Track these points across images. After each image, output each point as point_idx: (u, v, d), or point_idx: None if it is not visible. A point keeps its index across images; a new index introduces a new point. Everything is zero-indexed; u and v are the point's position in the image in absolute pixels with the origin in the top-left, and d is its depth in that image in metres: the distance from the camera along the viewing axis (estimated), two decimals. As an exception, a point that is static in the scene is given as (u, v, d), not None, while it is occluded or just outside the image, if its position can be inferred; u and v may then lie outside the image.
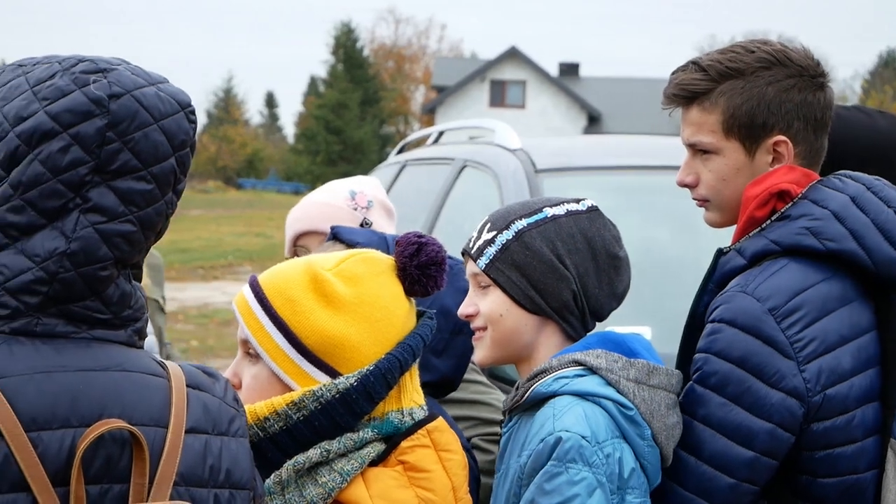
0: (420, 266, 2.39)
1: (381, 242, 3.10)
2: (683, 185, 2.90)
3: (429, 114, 62.08)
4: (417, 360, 2.42)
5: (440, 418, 2.38)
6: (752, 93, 2.79)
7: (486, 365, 2.87)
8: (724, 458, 2.68)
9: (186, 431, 1.93)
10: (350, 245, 3.09)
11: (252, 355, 2.40)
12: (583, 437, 2.55)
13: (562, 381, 2.65)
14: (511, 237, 2.77)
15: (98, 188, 1.90)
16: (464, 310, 2.81)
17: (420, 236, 2.42)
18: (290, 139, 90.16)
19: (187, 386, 1.97)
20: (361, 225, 3.67)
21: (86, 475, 1.82)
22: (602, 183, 5.31)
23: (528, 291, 2.74)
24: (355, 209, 3.73)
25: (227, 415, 2.00)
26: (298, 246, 3.75)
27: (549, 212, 2.79)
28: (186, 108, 1.98)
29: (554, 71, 63.31)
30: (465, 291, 2.88)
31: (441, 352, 3.10)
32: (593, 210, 2.82)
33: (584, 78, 64.57)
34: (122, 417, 1.87)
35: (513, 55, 60.15)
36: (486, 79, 59.79)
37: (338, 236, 3.20)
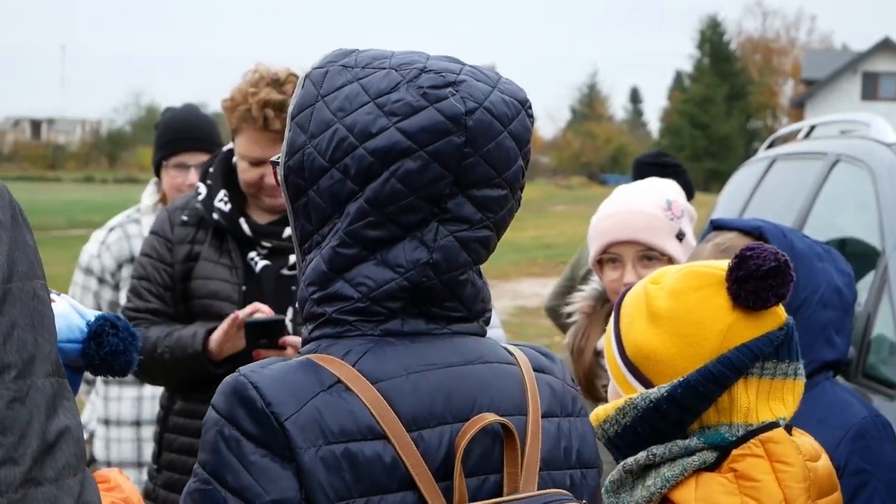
0: (738, 280, 2.34)
1: (756, 230, 3.04)
2: None
3: (797, 108, 60.79)
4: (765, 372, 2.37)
5: (779, 430, 2.33)
6: None
7: None
8: None
9: (542, 416, 1.98)
10: (743, 231, 3.00)
11: None
12: None
13: None
14: None
15: (455, 199, 1.92)
16: None
17: (750, 248, 2.36)
18: (655, 134, 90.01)
19: (534, 370, 2.02)
20: (677, 236, 3.60)
21: (464, 469, 1.86)
22: None
23: None
24: (671, 219, 3.61)
25: (569, 395, 2.05)
26: (610, 253, 3.63)
27: None
28: (526, 106, 1.98)
29: (931, 62, 60.81)
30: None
31: (839, 330, 3.00)
32: None
33: (963, 68, 61.73)
34: (491, 409, 1.92)
35: (886, 46, 58.23)
36: (857, 71, 58.08)
37: (722, 226, 3.08)
